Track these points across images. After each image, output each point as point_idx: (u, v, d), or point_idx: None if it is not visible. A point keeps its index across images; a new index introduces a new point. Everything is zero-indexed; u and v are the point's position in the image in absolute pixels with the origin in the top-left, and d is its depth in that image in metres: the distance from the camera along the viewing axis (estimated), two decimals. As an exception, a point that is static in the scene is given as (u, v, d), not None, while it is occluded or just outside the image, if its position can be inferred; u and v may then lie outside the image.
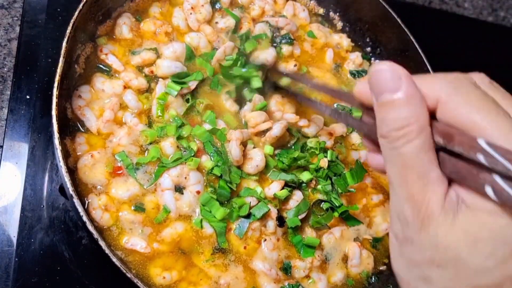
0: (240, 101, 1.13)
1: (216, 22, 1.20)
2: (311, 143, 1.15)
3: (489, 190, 0.47)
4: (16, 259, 1.00)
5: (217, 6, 1.22)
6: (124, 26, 1.12)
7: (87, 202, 0.95)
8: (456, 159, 0.50)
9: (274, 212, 1.04)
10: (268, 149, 1.09)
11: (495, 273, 0.48)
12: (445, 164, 0.51)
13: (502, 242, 0.47)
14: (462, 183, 0.50)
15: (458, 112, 0.50)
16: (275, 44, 1.24)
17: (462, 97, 0.50)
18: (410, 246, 0.52)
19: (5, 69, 1.18)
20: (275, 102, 1.15)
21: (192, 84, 1.09)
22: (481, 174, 0.47)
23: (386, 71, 0.52)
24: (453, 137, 0.49)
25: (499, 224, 0.47)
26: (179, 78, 1.08)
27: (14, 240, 1.01)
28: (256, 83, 1.12)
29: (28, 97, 1.14)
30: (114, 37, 1.12)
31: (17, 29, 1.22)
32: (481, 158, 0.46)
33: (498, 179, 0.46)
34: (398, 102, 0.51)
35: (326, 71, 1.32)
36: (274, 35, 1.24)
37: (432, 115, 0.52)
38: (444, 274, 0.50)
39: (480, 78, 0.54)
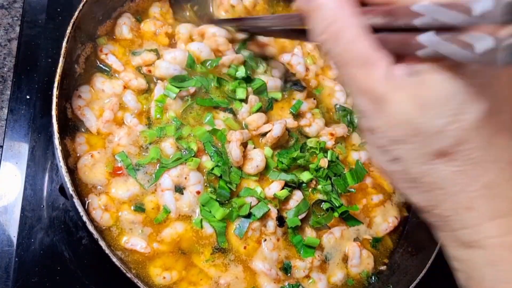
0: (232, 109, 1.12)
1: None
2: (311, 143, 1.15)
3: (423, 51, 0.47)
4: (16, 259, 1.00)
5: None
6: (124, 26, 1.12)
7: (87, 202, 0.95)
8: (397, 33, 0.51)
9: (274, 212, 1.04)
10: (268, 151, 1.09)
11: (450, 131, 0.48)
12: (387, 42, 0.52)
13: (445, 98, 0.47)
14: (406, 54, 0.51)
15: None
16: (284, 88, 1.20)
17: None
18: (374, 134, 0.54)
19: (5, 69, 1.18)
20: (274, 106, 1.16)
21: (192, 88, 1.08)
22: (417, 38, 0.48)
23: None
24: (394, 13, 0.51)
25: (439, 82, 0.47)
26: (177, 81, 1.07)
27: (14, 240, 1.01)
28: (241, 94, 1.11)
29: (28, 97, 1.14)
30: (114, 37, 1.12)
31: (17, 29, 1.22)
32: (418, 22, 0.48)
33: (432, 35, 0.47)
34: (317, 6, 0.54)
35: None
36: (287, 79, 1.21)
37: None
38: (408, 147, 0.51)
39: None
